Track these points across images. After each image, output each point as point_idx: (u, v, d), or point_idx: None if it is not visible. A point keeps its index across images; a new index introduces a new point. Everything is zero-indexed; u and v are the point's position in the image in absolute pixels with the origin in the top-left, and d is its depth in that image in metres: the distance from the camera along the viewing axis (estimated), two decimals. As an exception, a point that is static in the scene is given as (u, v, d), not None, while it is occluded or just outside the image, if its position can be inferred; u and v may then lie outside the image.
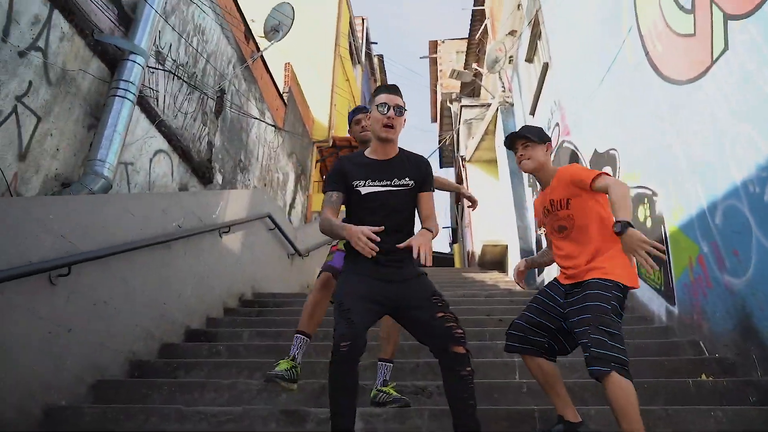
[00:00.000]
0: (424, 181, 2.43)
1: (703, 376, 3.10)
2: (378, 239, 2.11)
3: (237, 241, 5.72)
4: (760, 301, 2.97)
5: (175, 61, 5.98)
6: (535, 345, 2.46)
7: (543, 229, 2.69)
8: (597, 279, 2.29)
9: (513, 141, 2.60)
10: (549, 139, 2.58)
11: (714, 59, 3.40)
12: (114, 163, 4.40)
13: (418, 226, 2.43)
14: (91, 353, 3.11)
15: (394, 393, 2.80)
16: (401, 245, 2.17)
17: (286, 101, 10.61)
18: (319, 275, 3.02)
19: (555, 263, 2.62)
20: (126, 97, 4.59)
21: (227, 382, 3.14)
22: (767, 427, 2.47)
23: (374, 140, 2.44)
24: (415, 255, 2.14)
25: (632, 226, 2.12)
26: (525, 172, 2.60)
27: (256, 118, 8.83)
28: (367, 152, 2.48)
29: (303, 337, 2.87)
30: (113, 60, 4.68)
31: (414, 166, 2.43)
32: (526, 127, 2.62)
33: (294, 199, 11.60)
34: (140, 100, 5.02)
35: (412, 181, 2.39)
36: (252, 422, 2.65)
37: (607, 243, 2.36)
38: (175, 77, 5.98)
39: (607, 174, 2.39)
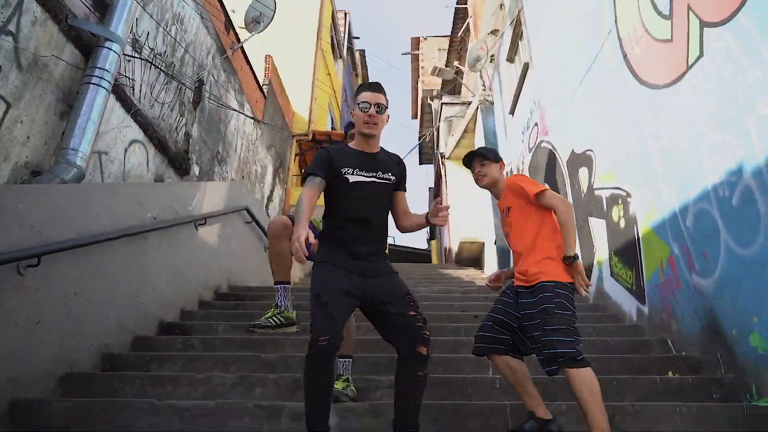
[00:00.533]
0: (402, 179, 2.55)
1: (670, 374, 3.18)
2: (308, 245, 2.06)
3: (213, 234, 5.66)
4: (726, 302, 3.06)
5: (152, 49, 5.87)
6: (501, 343, 2.56)
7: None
8: (541, 283, 2.45)
9: (471, 159, 2.83)
10: (501, 159, 2.83)
11: (689, 65, 3.48)
12: (87, 152, 4.30)
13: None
14: (60, 346, 3.04)
15: (340, 386, 2.79)
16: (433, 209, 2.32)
17: (265, 93, 10.50)
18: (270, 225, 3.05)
19: None
20: (101, 85, 4.49)
21: (201, 375, 3.11)
22: (729, 422, 2.56)
23: (358, 135, 2.48)
24: (442, 208, 2.28)
25: (577, 258, 2.46)
26: (481, 188, 2.84)
27: (235, 110, 8.73)
28: (352, 145, 2.52)
29: (282, 285, 2.94)
30: (88, 47, 4.57)
31: (395, 164, 2.54)
32: (482, 148, 2.86)
33: (272, 192, 11.51)
34: (115, 89, 4.92)
35: (393, 177, 2.48)
36: (225, 417, 2.64)
37: (546, 246, 2.54)
38: (153, 66, 5.87)
39: (551, 190, 2.61)
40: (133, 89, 5.46)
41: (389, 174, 2.45)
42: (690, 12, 3.47)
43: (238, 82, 8.87)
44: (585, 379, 2.25)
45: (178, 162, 6.51)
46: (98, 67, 4.52)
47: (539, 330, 2.35)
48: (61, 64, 4.34)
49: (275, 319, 2.82)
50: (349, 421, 2.61)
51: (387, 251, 2.33)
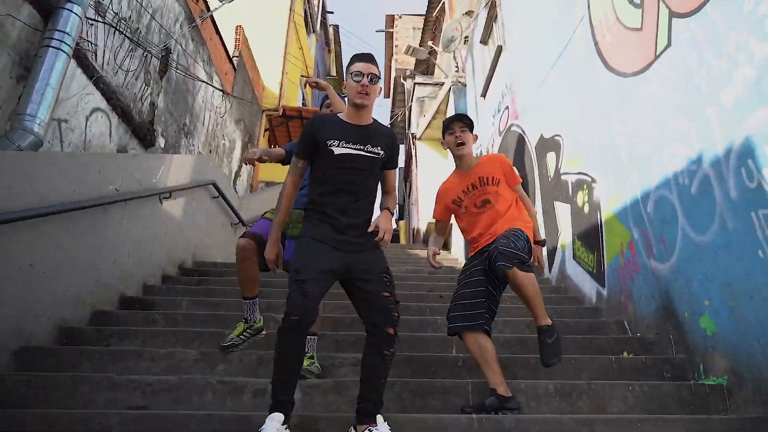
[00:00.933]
0: (393, 154, 2.49)
1: (625, 354, 3.30)
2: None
3: (178, 208, 5.54)
4: (680, 286, 3.18)
5: (116, 14, 5.62)
6: (475, 320, 2.67)
7: (459, 206, 3.01)
8: (510, 229, 2.75)
9: (454, 120, 2.99)
10: (476, 135, 3.07)
11: (657, 54, 3.54)
12: (46, 119, 4.12)
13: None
14: (15, 319, 2.95)
15: (305, 363, 2.78)
16: (370, 229, 2.28)
17: (235, 66, 10.24)
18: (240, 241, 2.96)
19: (466, 242, 3.06)
20: (61, 49, 4.29)
21: (163, 351, 3.07)
22: (677, 400, 2.68)
23: (349, 106, 2.44)
24: (380, 237, 2.24)
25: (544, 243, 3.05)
26: (456, 153, 2.97)
27: (204, 82, 8.49)
28: (341, 116, 2.46)
29: (250, 300, 2.89)
30: (47, 7, 4.35)
31: (386, 138, 2.46)
32: (468, 117, 3.03)
33: (240, 167, 11.31)
34: (77, 53, 4.71)
35: (382, 152, 2.42)
36: (188, 392, 2.61)
37: (517, 217, 2.88)
38: (117, 32, 5.63)
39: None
40: (96, 55, 5.24)
41: (378, 148, 2.39)
42: (661, 2, 3.52)
43: (207, 52, 8.61)
44: (531, 279, 2.55)
45: (142, 133, 6.31)
46: (58, 30, 4.31)
47: (502, 238, 2.62)
48: (18, 25, 4.12)
49: (246, 335, 2.80)
50: (313, 398, 2.62)
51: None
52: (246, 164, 2.65)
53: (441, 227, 3.17)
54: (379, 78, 2.40)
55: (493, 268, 2.58)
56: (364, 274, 2.27)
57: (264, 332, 2.93)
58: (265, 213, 3.10)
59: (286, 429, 2.05)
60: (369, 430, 2.10)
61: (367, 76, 2.35)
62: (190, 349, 3.15)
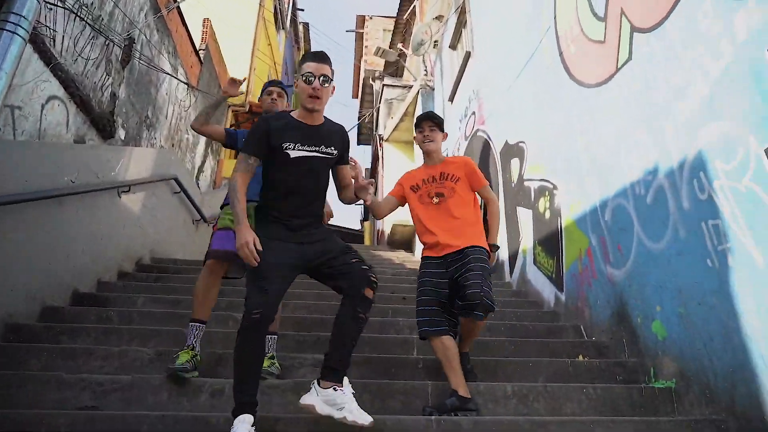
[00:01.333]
0: (344, 152, 2.50)
1: (581, 357, 3.39)
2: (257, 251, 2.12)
3: (138, 202, 5.39)
4: (634, 292, 3.29)
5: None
6: (442, 325, 2.75)
7: (412, 192, 3.08)
8: (476, 246, 2.81)
9: (425, 119, 3.08)
10: (446, 132, 3.19)
11: (618, 67, 3.65)
12: (-3, 105, 3.93)
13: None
14: (-43, 313, 2.80)
15: (265, 364, 2.71)
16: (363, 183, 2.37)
17: (201, 59, 10.03)
18: (204, 261, 2.90)
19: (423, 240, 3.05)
20: (16, 33, 4.09)
21: (117, 349, 2.97)
22: (629, 402, 2.77)
23: (301, 108, 2.40)
24: (357, 172, 2.38)
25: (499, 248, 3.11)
26: (425, 149, 3.09)
27: (168, 74, 8.28)
28: (294, 114, 2.42)
29: (198, 324, 2.78)
30: (2, -11, 4.15)
31: (338, 136, 2.46)
32: (438, 116, 3.13)
33: (203, 163, 11.08)
34: (33, 39, 4.51)
35: (336, 151, 2.43)
36: (141, 392, 2.54)
37: (475, 221, 2.94)
38: (77, 18, 5.43)
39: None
40: (54, 41, 5.04)
41: (332, 148, 2.40)
42: (623, 16, 3.63)
43: (172, 44, 8.41)
44: (483, 326, 2.87)
45: (102, 123, 6.10)
46: (14, 13, 4.11)
47: (479, 281, 2.64)
48: (-31, 6, 3.92)
49: (193, 362, 2.65)
50: (272, 398, 2.59)
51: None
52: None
53: (387, 201, 3.13)
54: (331, 78, 2.35)
55: (467, 308, 2.66)
56: (327, 255, 2.31)
57: (197, 374, 2.66)
58: (213, 227, 3.04)
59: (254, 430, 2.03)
60: (334, 388, 2.12)
61: (319, 78, 2.30)
62: (146, 348, 3.06)
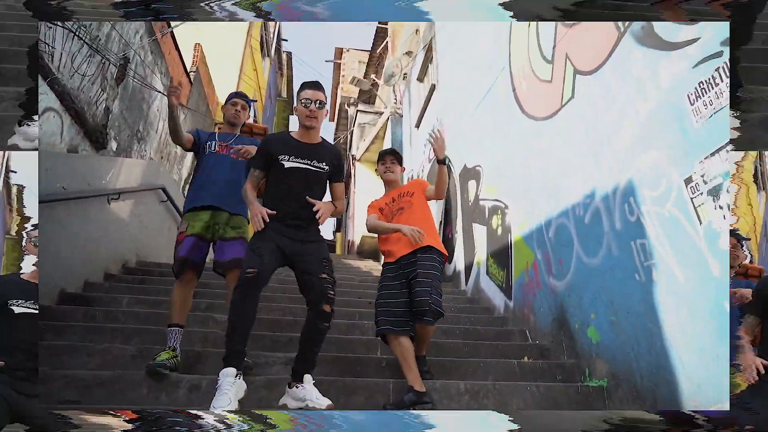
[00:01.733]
0: (336, 169, 2.64)
1: (526, 359, 3.43)
2: (268, 218, 2.39)
3: (126, 209, 5.23)
4: (573, 301, 3.36)
5: (77, 19, 5.27)
6: (401, 325, 2.74)
7: (375, 216, 3.19)
8: (427, 247, 2.87)
9: (387, 153, 3.29)
10: (404, 166, 3.37)
11: (563, 104, 3.76)
12: (-6, 114, 3.77)
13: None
14: (-55, 310, 2.64)
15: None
16: (311, 200, 2.46)
17: (192, 80, 9.87)
18: (176, 269, 2.76)
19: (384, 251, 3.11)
20: (16, 48, 3.95)
21: (100, 346, 2.85)
22: (566, 399, 2.82)
23: (300, 127, 2.57)
24: (317, 208, 2.43)
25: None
26: (385, 179, 3.27)
27: (160, 92, 8.11)
28: (294, 134, 2.60)
29: (176, 328, 2.69)
30: (4, 7, 4.00)
31: (331, 155, 2.62)
32: (396, 151, 3.37)
33: (190, 175, 10.86)
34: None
35: (327, 167, 2.57)
36: (122, 387, 2.44)
37: (428, 227, 3.00)
38: (76, 37, 5.28)
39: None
40: (52, 57, 4.88)
41: (323, 164, 2.55)
42: (567, 60, 3.76)
43: (165, 65, 8.25)
44: (432, 330, 2.92)
45: (95, 135, 5.91)
46: (14, 30, 3.97)
47: (429, 288, 2.72)
48: (-29, 21, 3.77)
49: (173, 362, 2.55)
50: (247, 394, 2.52)
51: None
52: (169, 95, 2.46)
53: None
54: (325, 103, 2.55)
55: (418, 314, 2.73)
56: (306, 258, 2.44)
57: (175, 373, 2.54)
58: (179, 235, 2.86)
59: (238, 378, 2.18)
60: (296, 386, 2.31)
61: (315, 102, 2.50)
62: (128, 345, 2.95)
